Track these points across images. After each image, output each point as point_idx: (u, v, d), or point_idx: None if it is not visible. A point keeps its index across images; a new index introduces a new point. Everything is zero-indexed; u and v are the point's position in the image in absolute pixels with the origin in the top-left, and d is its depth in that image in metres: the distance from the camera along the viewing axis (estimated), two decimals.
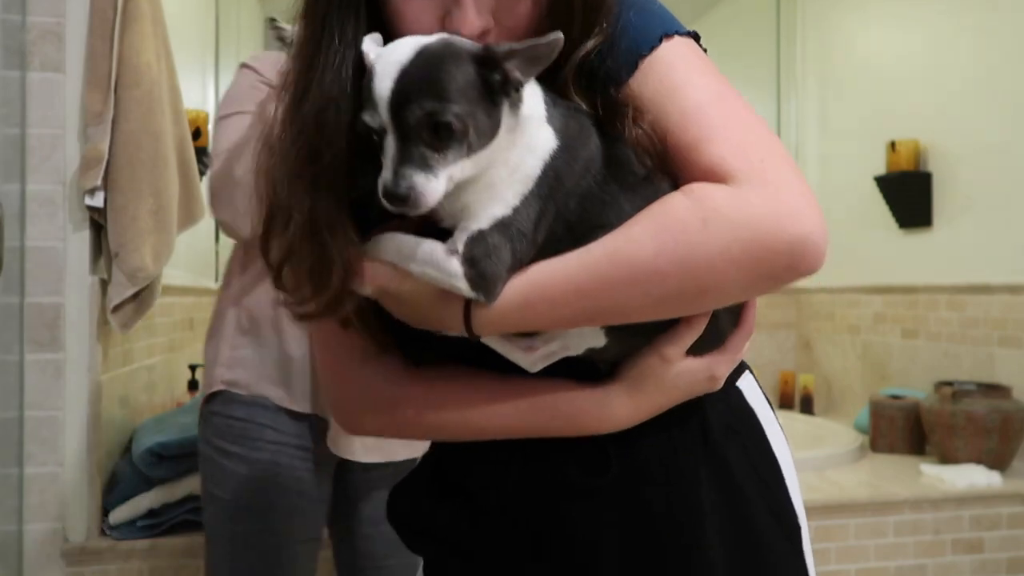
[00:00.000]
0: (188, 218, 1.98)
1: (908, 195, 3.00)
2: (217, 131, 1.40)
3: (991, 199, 2.71)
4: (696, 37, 0.76)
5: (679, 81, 0.71)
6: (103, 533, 1.79)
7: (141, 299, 1.78)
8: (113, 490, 1.82)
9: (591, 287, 0.68)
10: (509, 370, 0.75)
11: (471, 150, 0.63)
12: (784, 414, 3.36)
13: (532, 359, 0.73)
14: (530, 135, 0.67)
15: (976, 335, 2.73)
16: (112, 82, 1.72)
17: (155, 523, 1.78)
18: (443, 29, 0.68)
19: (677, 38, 0.73)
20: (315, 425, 1.39)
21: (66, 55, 1.74)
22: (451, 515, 0.83)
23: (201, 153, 2.38)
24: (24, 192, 1.73)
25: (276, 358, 1.36)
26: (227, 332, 1.39)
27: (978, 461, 2.40)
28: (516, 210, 0.66)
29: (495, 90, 0.64)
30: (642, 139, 0.70)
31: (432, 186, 0.62)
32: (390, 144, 0.62)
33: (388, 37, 0.68)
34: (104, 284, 1.78)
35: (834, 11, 3.55)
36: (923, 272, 2.99)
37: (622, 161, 0.69)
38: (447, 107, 0.61)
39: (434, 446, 0.89)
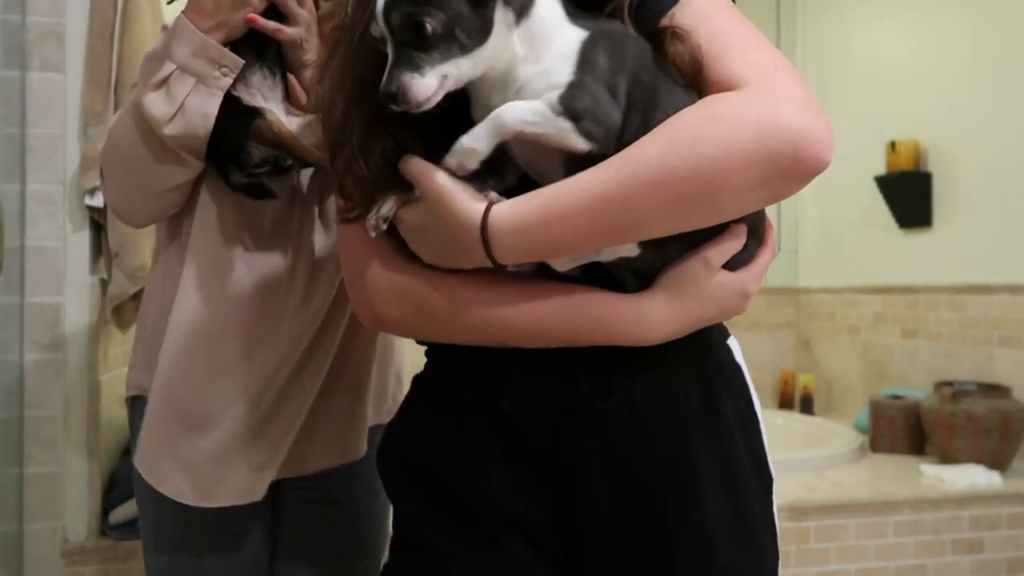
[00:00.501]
0: None
1: (908, 195, 3.00)
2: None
3: (991, 199, 2.71)
4: None
5: (709, 10, 0.77)
6: (103, 533, 1.79)
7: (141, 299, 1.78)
8: (113, 490, 1.83)
9: (604, 196, 0.70)
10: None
11: (465, 49, 0.69)
12: (784, 414, 3.36)
13: (560, 262, 0.75)
14: (549, 31, 0.72)
15: (976, 335, 2.73)
16: (112, 82, 1.72)
17: None
18: None
19: None
20: None
21: (66, 55, 1.74)
22: (440, 445, 0.83)
23: None
24: (24, 192, 1.73)
25: None
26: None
27: (978, 461, 2.40)
28: (571, 84, 0.70)
29: None
30: (679, 56, 0.75)
31: (419, 83, 0.68)
32: (389, 51, 0.69)
33: None
34: (104, 284, 1.78)
35: (834, 11, 3.55)
36: (923, 272, 2.99)
37: (668, 72, 0.75)
38: (422, 9, 0.67)
39: (426, 379, 0.89)
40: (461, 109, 0.75)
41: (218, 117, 0.98)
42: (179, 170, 1.03)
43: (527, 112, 0.70)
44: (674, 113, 0.71)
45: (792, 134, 0.69)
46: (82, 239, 1.76)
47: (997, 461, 2.40)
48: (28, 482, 1.73)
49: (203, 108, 0.98)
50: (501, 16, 0.70)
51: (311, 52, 1.02)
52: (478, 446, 0.81)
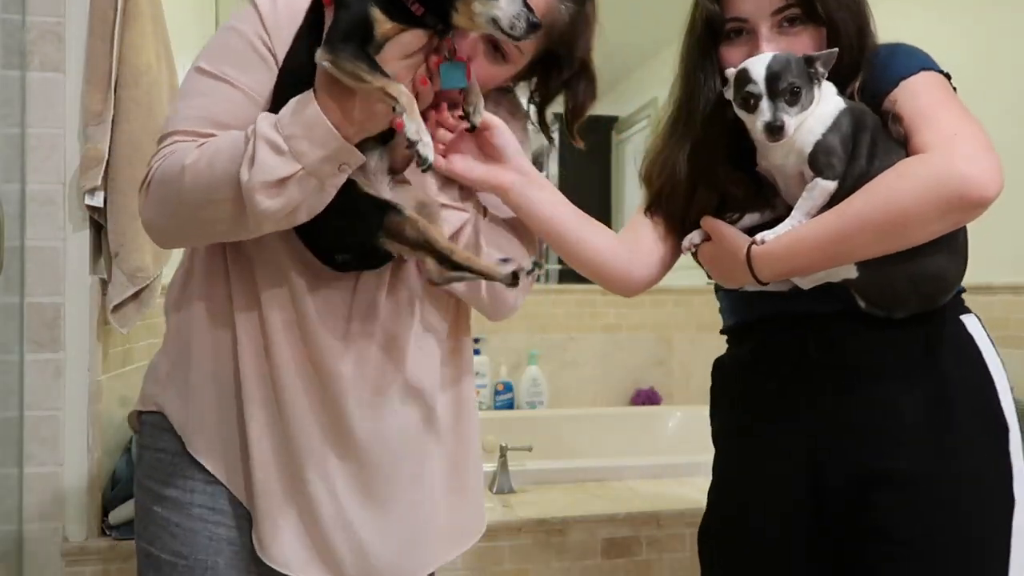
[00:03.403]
0: None
1: None
2: (188, 86, 1.03)
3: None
4: (947, 76, 1.15)
5: (920, 90, 1.10)
6: (103, 533, 1.79)
7: (141, 299, 1.78)
8: (113, 490, 1.82)
9: (828, 235, 1.06)
10: None
11: (803, 108, 1.09)
12: None
13: (806, 281, 1.13)
14: (826, 102, 1.11)
15: None
16: (112, 82, 1.72)
17: None
18: None
19: (932, 72, 1.13)
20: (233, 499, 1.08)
21: (66, 55, 1.74)
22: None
23: None
24: (24, 192, 1.73)
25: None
26: None
27: None
28: (826, 134, 1.09)
29: (811, 76, 1.09)
30: (897, 134, 1.08)
31: (789, 120, 1.08)
32: (764, 103, 1.08)
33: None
34: (104, 284, 1.78)
35: None
36: None
37: (890, 135, 1.09)
38: (798, 80, 1.07)
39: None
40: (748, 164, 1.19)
41: (332, 204, 0.94)
42: (250, 232, 0.96)
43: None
44: (887, 165, 1.04)
45: (956, 181, 0.99)
46: (82, 239, 1.75)
47: None
48: (28, 482, 1.73)
49: (314, 206, 0.93)
50: (816, 93, 1.10)
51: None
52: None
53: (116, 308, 1.73)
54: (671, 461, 2.34)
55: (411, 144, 0.90)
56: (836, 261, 1.08)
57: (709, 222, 1.19)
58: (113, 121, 1.72)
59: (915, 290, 1.11)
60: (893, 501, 1.10)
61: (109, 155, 1.71)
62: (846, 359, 1.16)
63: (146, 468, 1.10)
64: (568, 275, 3.54)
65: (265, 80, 1.00)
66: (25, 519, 1.73)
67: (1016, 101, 2.63)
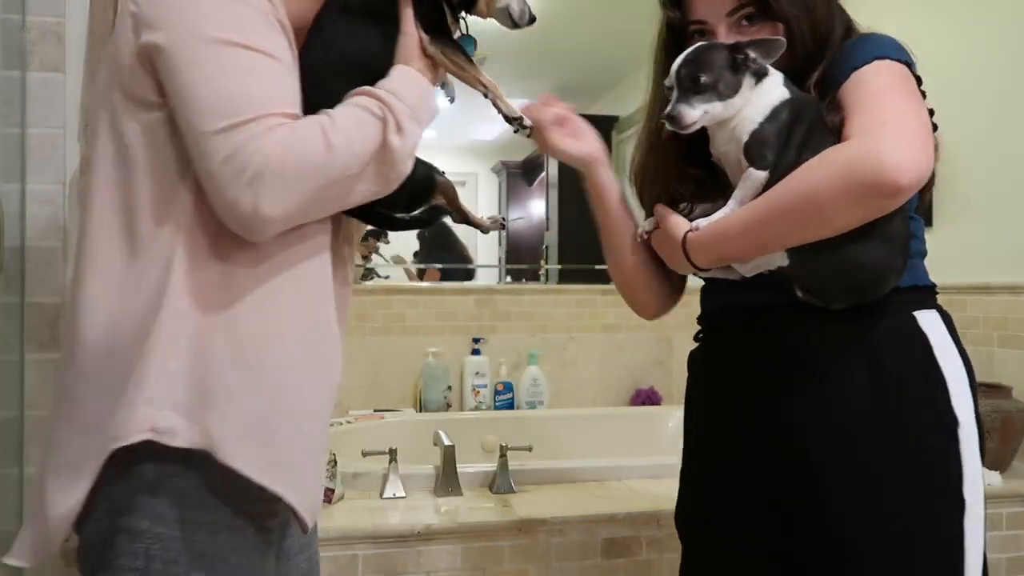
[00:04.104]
0: None
1: None
2: (230, 62, 0.97)
3: (991, 199, 2.71)
4: (909, 65, 1.15)
5: (868, 78, 1.09)
6: None
7: None
8: None
9: (755, 220, 1.07)
10: None
11: (721, 97, 1.10)
12: None
13: (745, 269, 1.14)
14: (768, 93, 1.11)
15: (976, 335, 2.73)
16: None
17: None
18: None
19: (887, 61, 1.12)
20: None
21: (66, 55, 1.74)
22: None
23: None
24: (24, 192, 1.73)
25: None
26: None
27: None
28: (762, 124, 1.09)
29: (739, 64, 1.10)
30: (832, 124, 1.09)
31: (687, 111, 1.10)
32: (673, 94, 1.11)
33: None
34: None
35: None
36: None
37: (827, 127, 1.09)
38: (701, 68, 1.09)
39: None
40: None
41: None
42: (378, 194, 1.08)
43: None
44: (817, 154, 1.04)
45: (870, 169, 0.97)
46: None
47: (997, 461, 2.40)
48: (28, 482, 1.73)
49: (413, 150, 1.10)
50: (747, 80, 1.11)
51: None
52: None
53: None
54: (671, 461, 2.32)
55: (511, 119, 1.21)
56: (762, 248, 1.09)
57: (658, 209, 1.24)
58: None
59: (844, 279, 1.09)
60: (836, 500, 1.09)
61: None
62: (785, 351, 1.16)
63: None
64: (568, 275, 3.53)
65: (286, 46, 1.04)
66: (25, 519, 1.73)
67: (1015, 98, 2.63)
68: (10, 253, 1.69)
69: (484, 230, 1.37)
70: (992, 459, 2.40)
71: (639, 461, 2.33)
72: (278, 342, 1.04)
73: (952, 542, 1.06)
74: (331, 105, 1.04)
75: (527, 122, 1.22)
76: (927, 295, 1.21)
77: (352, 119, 1.01)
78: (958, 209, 2.85)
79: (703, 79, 1.09)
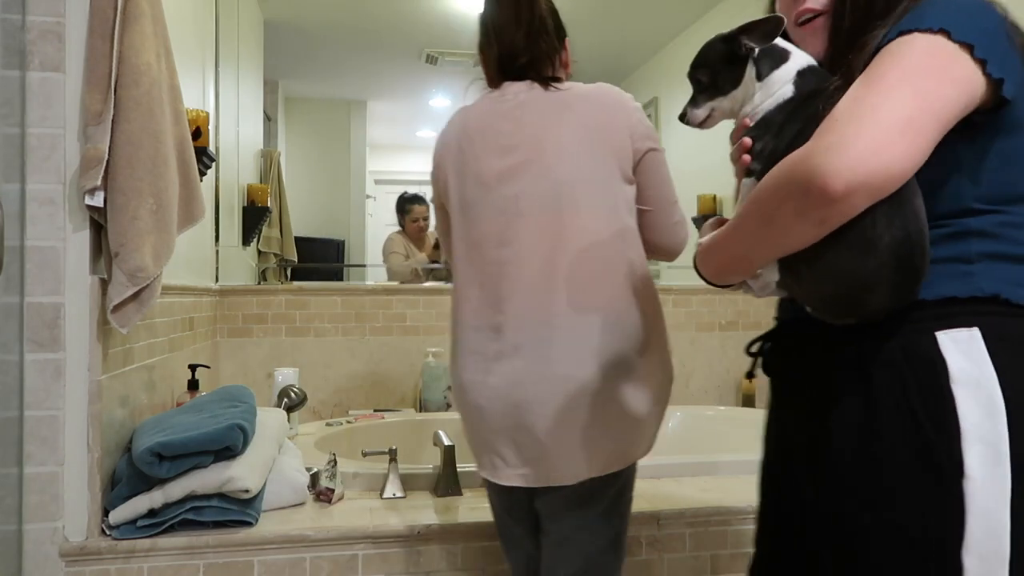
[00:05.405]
0: (188, 218, 1.98)
1: None
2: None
3: None
4: (948, 33, 0.87)
5: (877, 62, 0.90)
6: (103, 533, 1.79)
7: (141, 299, 1.78)
8: (113, 490, 1.82)
9: (728, 235, 1.01)
10: None
11: (722, 92, 1.09)
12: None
13: (757, 286, 1.07)
14: (775, 87, 1.05)
15: None
16: (112, 82, 1.71)
17: (155, 523, 1.77)
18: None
19: (918, 35, 0.88)
20: None
21: (66, 55, 1.74)
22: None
23: (201, 153, 2.38)
24: (24, 192, 1.73)
25: None
26: None
27: None
28: (749, 131, 1.06)
29: (737, 54, 1.06)
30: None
31: (693, 111, 1.12)
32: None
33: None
34: (104, 284, 1.78)
35: None
36: None
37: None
38: (698, 69, 1.10)
39: None
40: None
41: None
42: None
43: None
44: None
45: (803, 174, 0.84)
46: (82, 239, 1.75)
47: None
48: (28, 482, 1.73)
49: None
50: (749, 73, 1.07)
51: None
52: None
53: (116, 308, 1.73)
54: (671, 461, 2.34)
55: None
56: (737, 262, 1.02)
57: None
58: (113, 121, 1.71)
59: (820, 292, 0.95)
60: (823, 540, 0.99)
61: (109, 155, 1.71)
62: (790, 371, 1.10)
63: None
64: None
65: None
66: (25, 519, 1.73)
67: None
68: (10, 253, 1.69)
69: None
70: None
71: (639, 461, 2.32)
72: None
73: None
74: None
75: None
76: (969, 309, 0.92)
77: None
78: None
79: (703, 78, 1.10)
